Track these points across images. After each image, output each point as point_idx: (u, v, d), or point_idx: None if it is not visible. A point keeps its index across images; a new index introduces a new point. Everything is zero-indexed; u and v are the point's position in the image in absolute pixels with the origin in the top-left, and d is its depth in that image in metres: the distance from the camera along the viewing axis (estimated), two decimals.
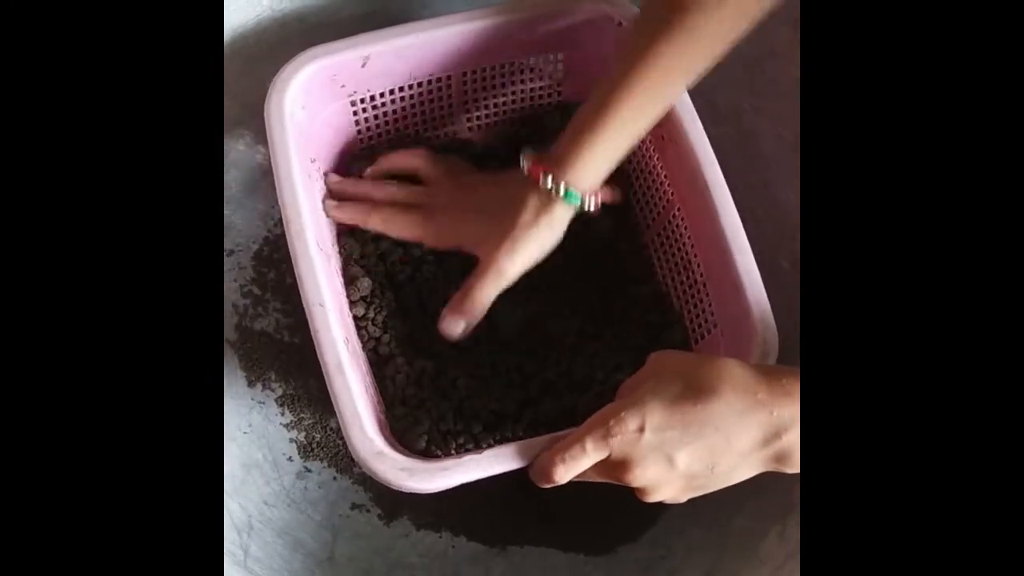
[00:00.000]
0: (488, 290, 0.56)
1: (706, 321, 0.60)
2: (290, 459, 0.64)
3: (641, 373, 0.49)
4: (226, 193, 0.70)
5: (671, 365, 0.48)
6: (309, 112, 0.61)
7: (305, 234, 0.54)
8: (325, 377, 0.51)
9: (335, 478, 0.64)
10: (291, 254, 0.54)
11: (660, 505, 0.48)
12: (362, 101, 0.64)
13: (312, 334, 0.52)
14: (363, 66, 0.61)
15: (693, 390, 0.45)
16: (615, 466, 0.46)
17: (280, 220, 0.68)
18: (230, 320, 0.67)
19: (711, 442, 0.44)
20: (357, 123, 0.66)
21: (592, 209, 0.56)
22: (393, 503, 0.63)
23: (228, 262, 0.69)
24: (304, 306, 0.52)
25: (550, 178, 0.54)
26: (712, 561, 0.59)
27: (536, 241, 0.56)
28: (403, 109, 0.66)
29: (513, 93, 0.69)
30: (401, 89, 0.65)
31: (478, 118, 0.69)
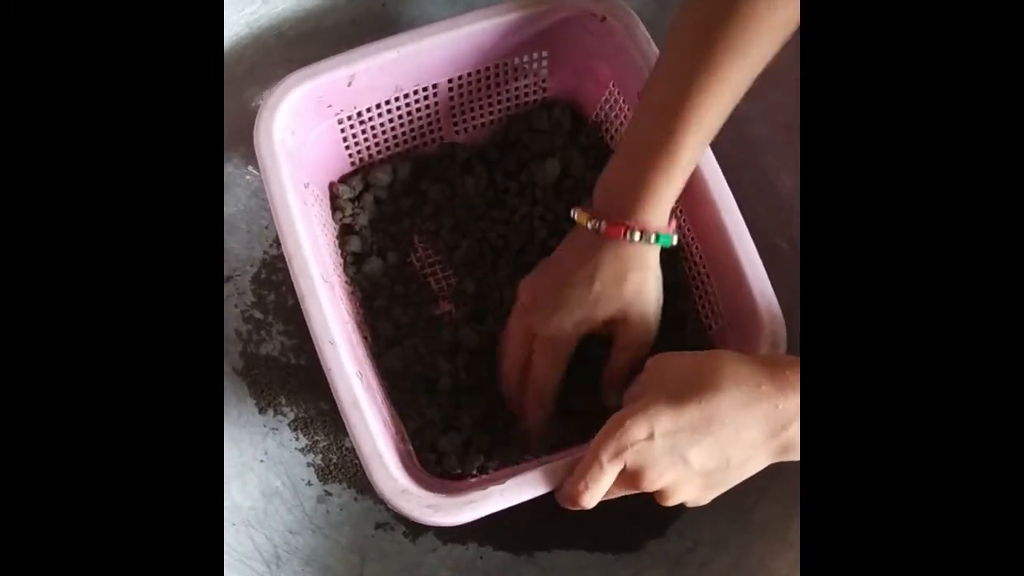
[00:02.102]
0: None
1: (713, 312, 0.60)
2: (309, 483, 0.63)
3: (642, 379, 0.49)
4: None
5: (670, 366, 0.48)
6: (299, 137, 0.60)
7: (309, 269, 0.53)
8: (342, 414, 0.50)
9: (356, 499, 0.63)
10: (296, 290, 0.53)
11: (682, 506, 0.48)
12: (349, 119, 0.63)
13: (325, 372, 0.51)
14: (349, 85, 0.60)
15: (696, 388, 0.45)
16: (632, 476, 0.46)
17: (276, 240, 0.68)
18: (235, 347, 0.66)
19: (721, 437, 0.44)
20: (345, 140, 0.65)
21: (675, 242, 0.54)
22: None
23: (227, 288, 0.68)
24: (314, 343, 0.52)
25: (637, 233, 0.52)
26: (740, 549, 0.59)
27: (656, 296, 0.55)
28: (391, 122, 0.66)
29: (499, 94, 0.68)
30: (388, 102, 0.64)
31: (464, 121, 0.69)
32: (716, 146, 0.57)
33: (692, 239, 0.61)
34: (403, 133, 0.67)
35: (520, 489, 0.50)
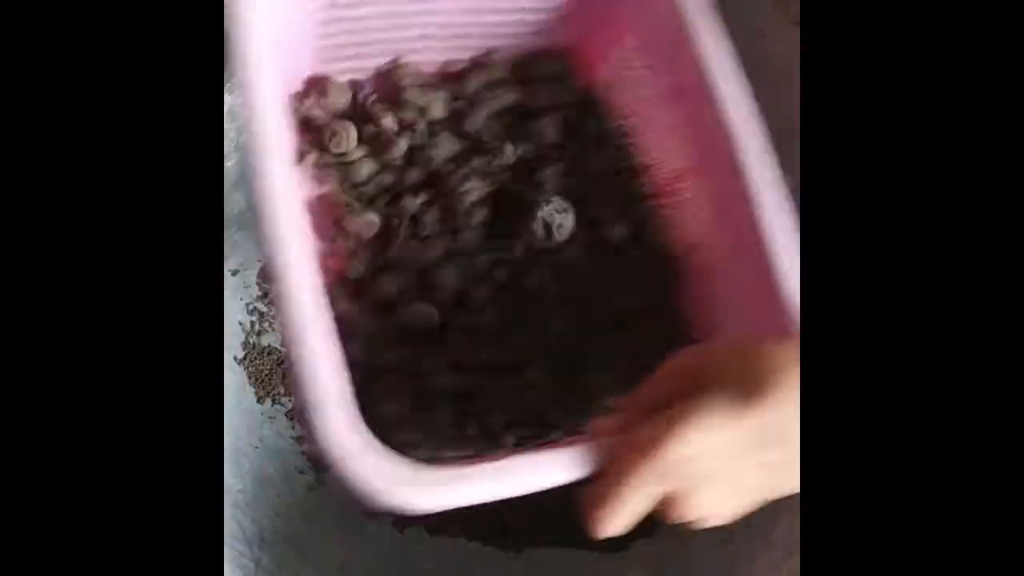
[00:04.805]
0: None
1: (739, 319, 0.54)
2: (301, 472, 0.64)
3: (668, 377, 0.40)
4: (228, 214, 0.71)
5: (722, 359, 0.39)
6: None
7: (275, 181, 0.43)
8: (291, 354, 0.42)
9: (347, 489, 0.64)
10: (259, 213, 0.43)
11: None
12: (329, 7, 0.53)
13: (279, 307, 0.43)
14: None
15: (757, 387, 0.36)
16: (666, 501, 0.38)
17: None
18: (237, 338, 0.67)
19: (781, 453, 0.37)
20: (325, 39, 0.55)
21: None
22: None
23: (233, 281, 0.69)
24: (271, 270, 0.43)
25: None
26: (725, 549, 0.58)
27: None
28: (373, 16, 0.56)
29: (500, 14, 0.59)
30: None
31: (457, 44, 0.60)
32: None
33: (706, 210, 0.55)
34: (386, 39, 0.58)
35: (510, 475, 0.42)
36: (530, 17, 0.60)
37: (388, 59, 0.61)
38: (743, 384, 0.36)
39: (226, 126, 0.67)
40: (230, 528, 0.61)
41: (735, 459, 0.37)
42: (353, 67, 0.60)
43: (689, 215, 0.57)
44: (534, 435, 0.53)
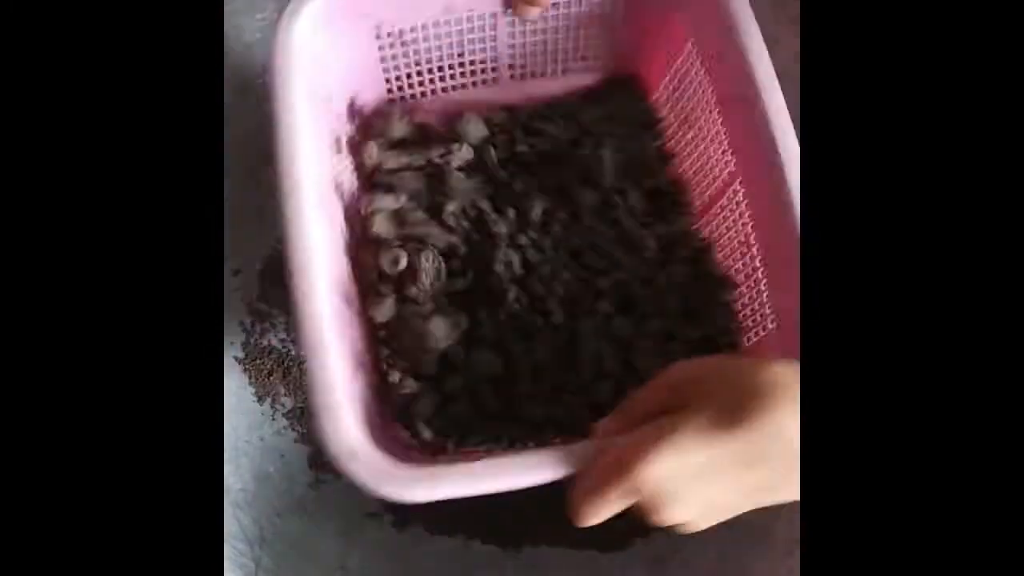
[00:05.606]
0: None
1: (762, 316, 0.55)
2: (301, 471, 0.64)
3: (660, 389, 0.41)
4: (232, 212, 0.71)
5: (710, 375, 0.39)
6: (325, 40, 0.52)
7: (300, 178, 0.46)
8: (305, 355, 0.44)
9: (347, 488, 0.64)
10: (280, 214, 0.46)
11: None
12: (389, 35, 0.56)
13: (293, 308, 0.46)
14: None
15: (736, 410, 0.36)
16: (643, 507, 0.39)
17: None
18: (237, 337, 0.68)
19: (758, 476, 0.37)
20: (384, 61, 0.58)
21: None
22: (406, 510, 0.63)
23: (235, 281, 0.69)
24: (287, 274, 0.46)
25: None
26: (724, 548, 0.58)
27: None
28: (437, 48, 0.58)
29: (565, 52, 0.61)
30: (436, 24, 0.57)
31: (523, 76, 0.62)
32: None
33: (751, 226, 0.54)
34: (450, 67, 0.60)
35: (492, 474, 0.43)
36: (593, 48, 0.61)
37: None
38: (723, 407, 0.36)
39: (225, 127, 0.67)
40: (230, 527, 0.61)
41: (710, 479, 0.37)
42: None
43: (733, 223, 0.57)
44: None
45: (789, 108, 0.65)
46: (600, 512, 0.39)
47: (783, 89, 0.63)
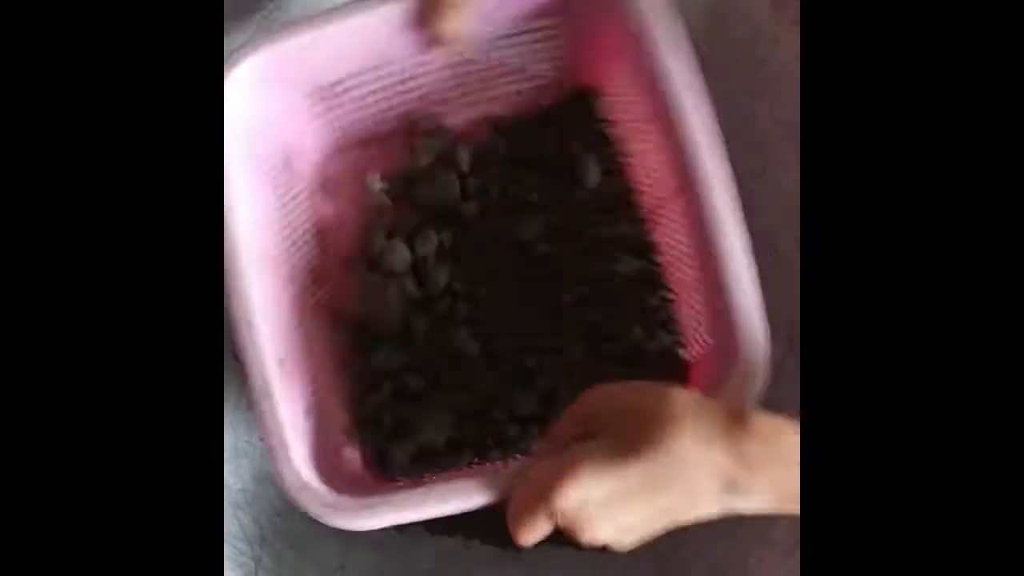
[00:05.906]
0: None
1: (701, 336, 0.56)
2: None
3: (575, 417, 0.43)
4: None
5: (612, 406, 0.42)
6: (261, 106, 0.55)
7: (238, 245, 0.51)
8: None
9: None
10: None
11: None
12: (322, 88, 0.58)
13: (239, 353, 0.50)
14: (309, 52, 0.54)
15: (644, 438, 0.39)
16: (567, 529, 0.42)
17: None
18: None
19: (671, 494, 0.40)
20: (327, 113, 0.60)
21: None
22: None
23: None
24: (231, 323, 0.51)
25: None
26: (724, 548, 0.58)
27: None
28: (372, 94, 0.60)
29: (508, 74, 0.61)
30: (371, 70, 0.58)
31: (469, 106, 0.62)
32: None
33: (687, 246, 0.55)
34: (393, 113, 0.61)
35: (428, 501, 0.47)
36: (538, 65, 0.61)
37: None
38: (627, 435, 0.40)
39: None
40: (230, 527, 0.61)
41: (623, 503, 0.40)
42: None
43: (669, 239, 0.58)
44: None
45: (789, 108, 0.65)
46: (531, 532, 0.43)
47: (783, 89, 0.63)
